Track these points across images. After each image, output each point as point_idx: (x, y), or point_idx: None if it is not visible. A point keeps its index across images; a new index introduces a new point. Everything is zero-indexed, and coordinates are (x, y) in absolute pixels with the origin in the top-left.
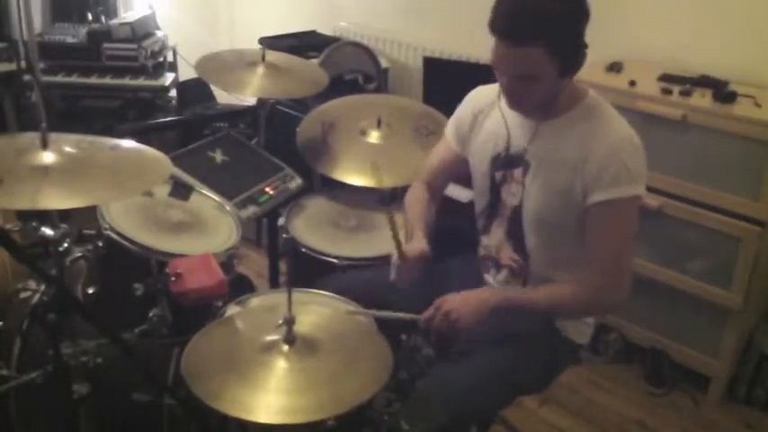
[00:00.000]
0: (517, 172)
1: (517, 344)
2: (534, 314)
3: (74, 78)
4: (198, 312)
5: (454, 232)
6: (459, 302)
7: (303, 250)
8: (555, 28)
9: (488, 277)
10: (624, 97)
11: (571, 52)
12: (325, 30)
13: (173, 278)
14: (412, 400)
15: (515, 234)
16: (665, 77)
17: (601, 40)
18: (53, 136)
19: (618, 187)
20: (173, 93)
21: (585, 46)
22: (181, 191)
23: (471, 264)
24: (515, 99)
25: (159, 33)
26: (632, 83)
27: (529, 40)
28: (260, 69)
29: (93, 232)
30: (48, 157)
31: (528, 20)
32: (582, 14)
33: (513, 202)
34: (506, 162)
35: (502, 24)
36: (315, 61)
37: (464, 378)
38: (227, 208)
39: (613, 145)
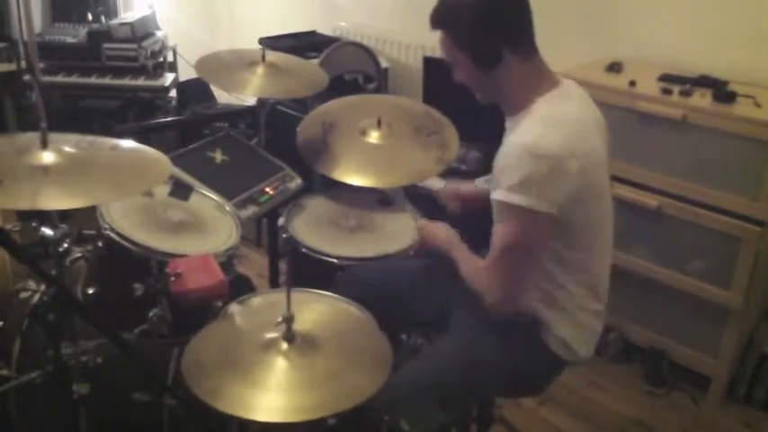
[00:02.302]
0: None
1: (502, 342)
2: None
3: (74, 78)
4: (198, 312)
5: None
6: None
7: (303, 250)
8: (453, 18)
9: None
10: (624, 97)
11: (473, 45)
12: (325, 30)
13: (173, 278)
14: (396, 388)
15: None
16: (665, 77)
17: (601, 40)
18: (53, 136)
19: (497, 190)
20: (173, 93)
21: (493, 42)
22: (181, 191)
23: None
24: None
25: (159, 33)
26: (632, 83)
27: (435, 26)
28: (260, 69)
29: (93, 232)
30: (47, 157)
31: (438, 7)
32: (485, 12)
33: None
34: None
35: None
36: (315, 61)
37: (447, 366)
38: (227, 208)
39: (511, 147)
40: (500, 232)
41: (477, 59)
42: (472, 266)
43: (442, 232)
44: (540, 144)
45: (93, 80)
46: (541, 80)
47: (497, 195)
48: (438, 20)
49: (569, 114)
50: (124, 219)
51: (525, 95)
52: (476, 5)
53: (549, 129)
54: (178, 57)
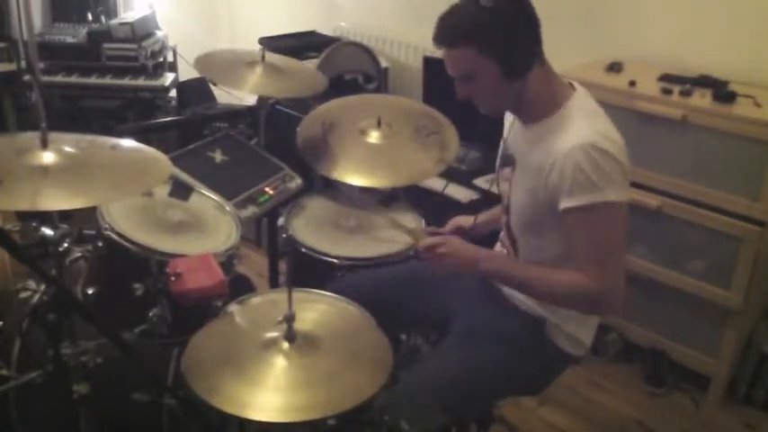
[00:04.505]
0: (510, 170)
1: (506, 344)
2: (526, 292)
3: (74, 78)
4: (198, 312)
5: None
6: (456, 249)
7: (303, 250)
8: (478, 30)
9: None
10: (624, 97)
11: (505, 52)
12: (325, 30)
13: (173, 278)
14: (398, 391)
15: (509, 231)
16: (665, 77)
17: (601, 40)
18: (53, 136)
19: (579, 195)
20: (173, 93)
21: (524, 46)
22: (180, 191)
23: None
24: (467, 100)
25: (159, 33)
26: (632, 83)
27: (453, 43)
28: (259, 69)
29: (93, 232)
30: (47, 157)
31: (451, 24)
32: (513, 16)
33: (506, 200)
34: (504, 160)
35: (434, 32)
36: (315, 61)
37: (450, 369)
38: (227, 208)
39: (570, 153)
40: (586, 237)
41: (507, 69)
42: (565, 281)
43: (469, 251)
44: (602, 139)
45: (93, 80)
46: (561, 83)
47: (578, 201)
48: (456, 35)
49: (602, 111)
50: (124, 219)
51: (553, 100)
52: (503, 15)
53: (599, 125)
54: (178, 57)
